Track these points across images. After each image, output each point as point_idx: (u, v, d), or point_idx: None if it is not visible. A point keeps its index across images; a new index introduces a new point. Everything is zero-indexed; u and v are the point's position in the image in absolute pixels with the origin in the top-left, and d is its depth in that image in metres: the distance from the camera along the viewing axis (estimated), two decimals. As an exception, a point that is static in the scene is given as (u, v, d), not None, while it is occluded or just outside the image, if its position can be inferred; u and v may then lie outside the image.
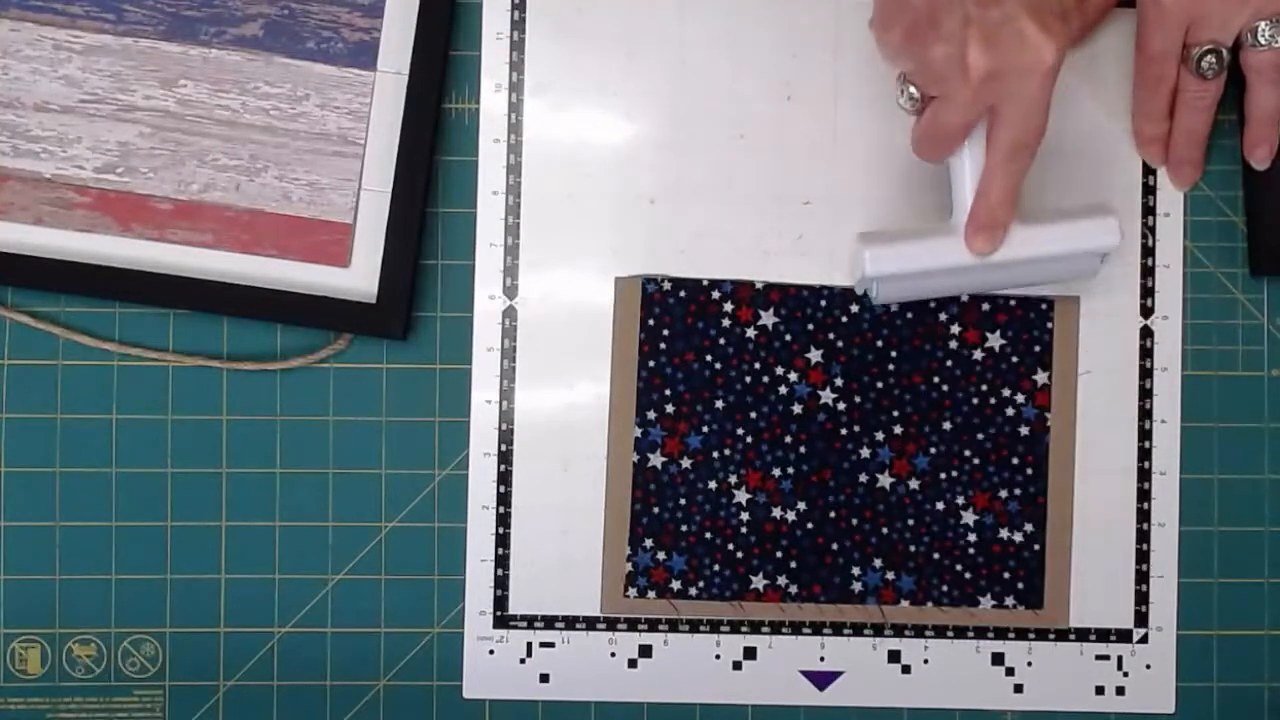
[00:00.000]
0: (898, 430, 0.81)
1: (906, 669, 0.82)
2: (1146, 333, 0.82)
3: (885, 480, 0.82)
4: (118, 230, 0.80)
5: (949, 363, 0.81)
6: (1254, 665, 0.82)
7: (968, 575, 0.82)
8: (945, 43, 0.69)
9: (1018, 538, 0.82)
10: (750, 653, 0.82)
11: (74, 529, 0.81)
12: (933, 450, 0.82)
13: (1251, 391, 0.83)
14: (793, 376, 0.81)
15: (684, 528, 0.81)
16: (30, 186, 0.80)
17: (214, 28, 0.81)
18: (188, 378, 0.81)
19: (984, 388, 0.82)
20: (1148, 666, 0.82)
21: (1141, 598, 0.82)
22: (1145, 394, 0.82)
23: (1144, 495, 0.82)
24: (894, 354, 0.81)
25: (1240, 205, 0.83)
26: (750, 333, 0.82)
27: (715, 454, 0.81)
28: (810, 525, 0.82)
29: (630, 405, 0.81)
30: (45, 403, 0.81)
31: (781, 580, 0.82)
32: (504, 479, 0.81)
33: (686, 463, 0.81)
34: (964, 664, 0.82)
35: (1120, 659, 0.82)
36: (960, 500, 0.82)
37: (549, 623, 0.82)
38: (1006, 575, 0.82)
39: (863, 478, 0.82)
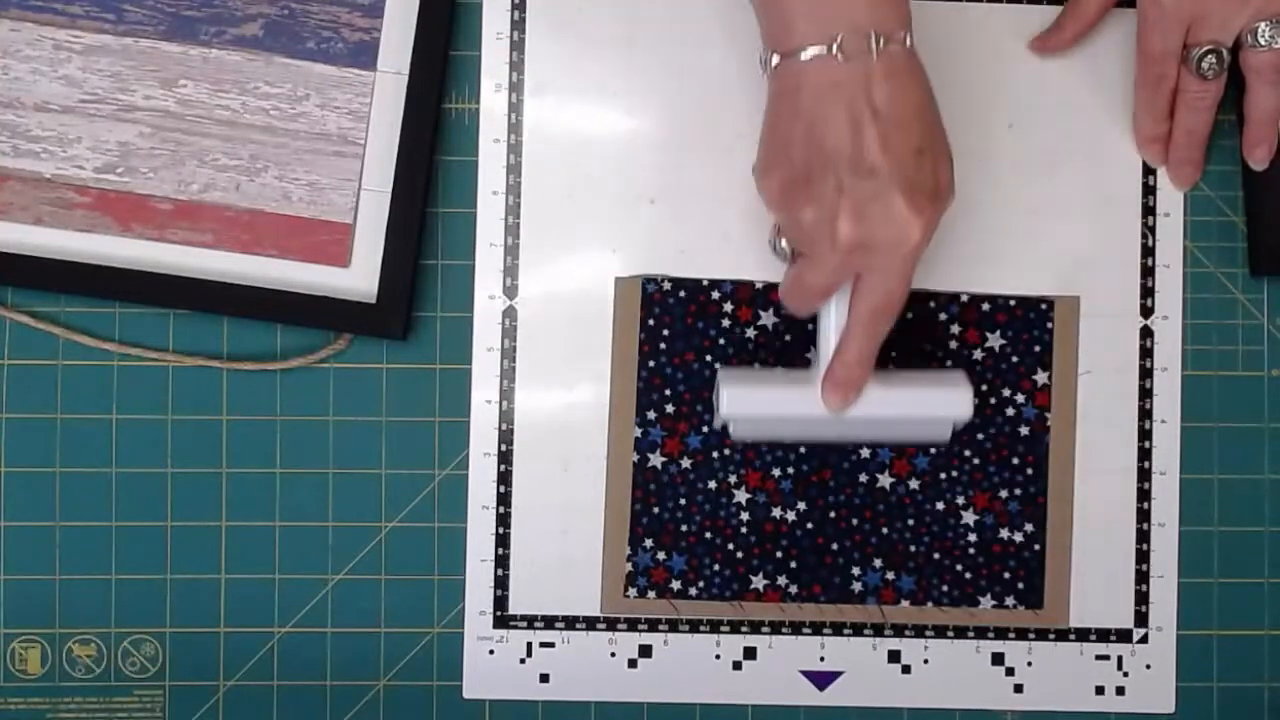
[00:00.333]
0: (898, 430, 0.82)
1: (906, 669, 0.82)
2: (1146, 333, 0.82)
3: (885, 480, 0.82)
4: (118, 230, 0.80)
5: (949, 363, 0.81)
6: (1254, 665, 0.82)
7: (968, 575, 0.82)
8: (817, 206, 0.69)
9: (1018, 538, 0.82)
10: (750, 653, 0.82)
11: (74, 529, 0.81)
12: (932, 450, 0.82)
13: (1251, 391, 0.83)
14: (793, 376, 0.81)
15: (684, 528, 0.81)
16: (30, 186, 0.80)
17: (214, 28, 0.81)
18: (188, 378, 0.81)
19: (984, 388, 0.82)
20: (1148, 666, 0.82)
21: (1141, 598, 0.82)
22: (1145, 394, 0.82)
23: (1144, 495, 0.82)
24: (894, 354, 0.81)
25: (1240, 205, 0.83)
26: (750, 333, 0.82)
27: (715, 454, 0.81)
28: (810, 525, 0.82)
29: (630, 405, 0.81)
30: (45, 403, 0.81)
31: (781, 580, 0.82)
32: (504, 479, 0.81)
33: (686, 463, 0.81)
34: (964, 664, 0.82)
35: (1120, 659, 0.82)
36: (960, 500, 0.82)
37: (549, 623, 0.82)
38: (1006, 575, 0.82)
39: (863, 478, 0.82)
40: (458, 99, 0.82)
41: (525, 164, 0.82)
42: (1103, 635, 0.82)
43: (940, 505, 0.82)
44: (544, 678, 0.82)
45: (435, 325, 0.82)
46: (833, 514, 0.81)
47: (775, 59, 0.70)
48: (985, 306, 0.82)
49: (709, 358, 0.82)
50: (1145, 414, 0.82)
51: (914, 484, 0.82)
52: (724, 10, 0.81)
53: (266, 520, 0.81)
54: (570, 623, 0.82)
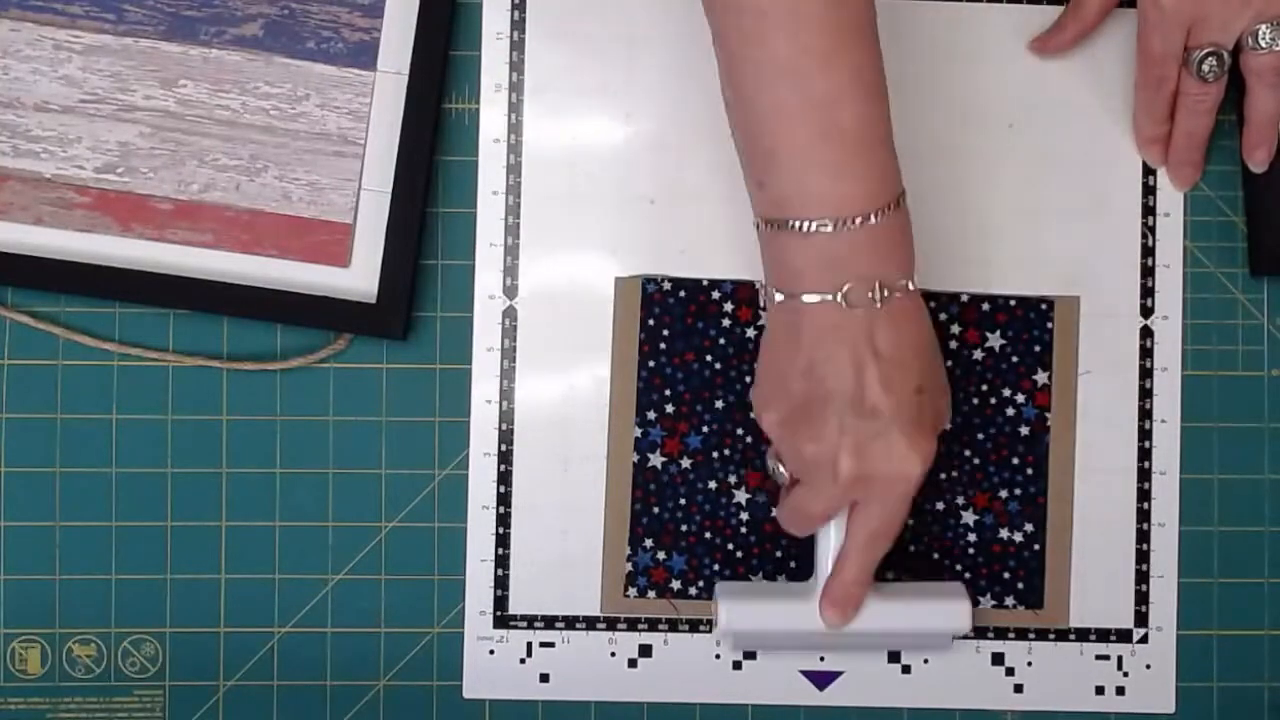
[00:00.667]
0: (898, 430, 0.81)
1: (906, 669, 0.82)
2: (1146, 333, 0.82)
3: (885, 480, 0.82)
4: (118, 230, 0.80)
5: (949, 363, 0.81)
6: (1254, 665, 0.82)
7: (968, 575, 0.82)
8: (819, 444, 0.71)
9: (1018, 538, 0.82)
10: (750, 653, 0.82)
11: (74, 529, 0.81)
12: (933, 450, 0.82)
13: (1251, 391, 0.83)
14: (793, 377, 0.81)
15: (684, 528, 0.81)
16: (30, 186, 0.80)
17: (214, 28, 0.80)
18: (188, 378, 0.81)
19: (984, 388, 0.82)
20: (1148, 666, 0.82)
21: (1141, 598, 0.82)
22: (1145, 394, 0.82)
23: (1144, 495, 0.82)
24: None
25: (1240, 205, 0.83)
26: (750, 333, 0.82)
27: (715, 454, 0.81)
28: (810, 525, 0.82)
29: (630, 405, 0.81)
30: (45, 403, 0.81)
31: (781, 580, 0.82)
32: (504, 479, 0.81)
33: (686, 463, 0.81)
34: (964, 664, 0.82)
35: (1120, 659, 0.82)
36: (960, 500, 0.82)
37: (549, 623, 0.82)
38: (1006, 575, 0.82)
39: (863, 478, 0.82)
40: (458, 99, 0.82)
41: (525, 164, 0.82)
42: (1103, 635, 0.82)
43: (940, 505, 0.82)
44: (544, 678, 0.82)
45: (435, 325, 0.82)
46: (833, 514, 0.82)
47: (779, 296, 0.71)
48: (985, 306, 0.82)
49: (709, 358, 0.82)
50: (1145, 414, 0.82)
51: (914, 484, 0.82)
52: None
53: (266, 520, 0.81)
54: (570, 623, 0.82)
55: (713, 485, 0.82)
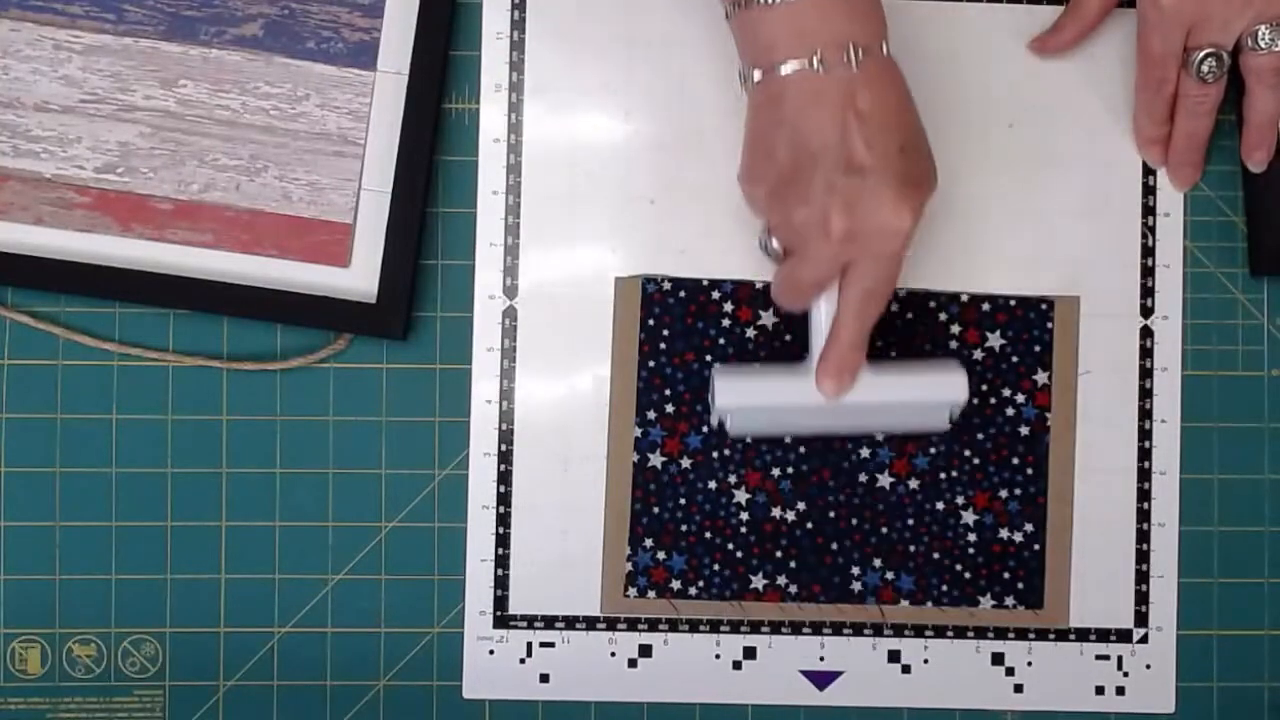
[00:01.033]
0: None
1: (906, 669, 0.82)
2: (1146, 333, 0.82)
3: (885, 480, 0.82)
4: (118, 230, 0.80)
5: (949, 362, 0.82)
6: (1254, 665, 0.83)
7: (967, 575, 0.82)
8: (808, 204, 0.71)
9: (1018, 538, 0.82)
10: (750, 653, 0.82)
11: (74, 529, 0.81)
12: (932, 450, 0.82)
13: (1251, 391, 0.83)
14: (793, 376, 0.81)
15: (684, 528, 0.81)
16: (30, 186, 0.80)
17: (214, 28, 0.80)
18: (188, 378, 0.81)
19: (984, 388, 0.82)
20: (1148, 666, 0.82)
21: (1141, 598, 0.82)
22: (1145, 394, 0.82)
23: (1144, 495, 0.82)
24: (893, 354, 0.81)
25: (1240, 205, 0.83)
26: (750, 333, 0.82)
27: (715, 454, 0.81)
28: (810, 525, 0.82)
29: (630, 405, 0.81)
30: (45, 403, 0.81)
31: (781, 580, 0.82)
32: (504, 479, 0.81)
33: (686, 463, 0.81)
34: (964, 664, 0.82)
35: (1120, 659, 0.82)
36: (960, 500, 0.82)
37: (549, 623, 0.82)
38: (1006, 575, 0.82)
39: (862, 478, 0.82)
40: (458, 99, 0.82)
41: (525, 164, 0.82)
42: (1103, 635, 0.82)
43: (940, 505, 0.82)
44: (544, 678, 0.82)
45: (435, 325, 0.82)
46: (832, 514, 0.82)
47: (757, 74, 0.72)
48: (985, 306, 0.82)
49: (709, 357, 0.82)
50: (1145, 414, 0.82)
51: (914, 484, 0.82)
52: (723, 10, 0.81)
53: (266, 520, 0.81)
54: (570, 623, 0.82)
55: (713, 485, 0.82)
